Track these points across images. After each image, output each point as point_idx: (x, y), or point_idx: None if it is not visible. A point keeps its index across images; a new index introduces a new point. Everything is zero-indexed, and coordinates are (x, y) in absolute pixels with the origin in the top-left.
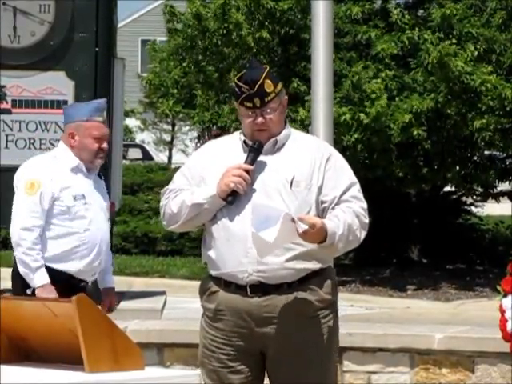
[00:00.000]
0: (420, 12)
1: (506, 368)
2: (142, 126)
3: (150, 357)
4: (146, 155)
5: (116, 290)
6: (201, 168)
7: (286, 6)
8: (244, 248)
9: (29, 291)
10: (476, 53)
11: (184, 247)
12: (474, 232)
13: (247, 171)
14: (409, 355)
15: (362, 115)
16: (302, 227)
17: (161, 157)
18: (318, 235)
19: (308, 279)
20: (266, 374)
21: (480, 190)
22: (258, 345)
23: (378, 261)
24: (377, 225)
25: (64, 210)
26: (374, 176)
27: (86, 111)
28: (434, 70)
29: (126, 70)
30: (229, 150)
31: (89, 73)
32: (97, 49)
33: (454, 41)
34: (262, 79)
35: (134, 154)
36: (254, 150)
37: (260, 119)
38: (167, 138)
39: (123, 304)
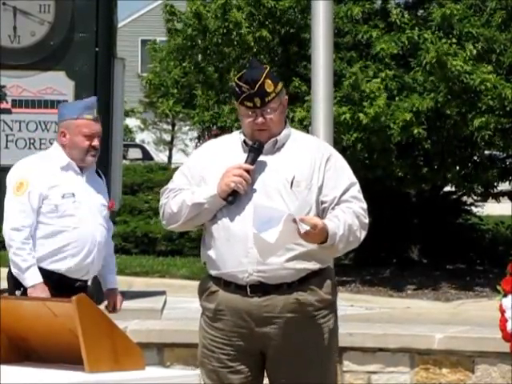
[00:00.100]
0: (420, 12)
1: (506, 368)
2: (142, 126)
3: (150, 357)
4: (146, 155)
5: None
6: (201, 167)
7: (287, 5)
8: (244, 248)
9: (18, 292)
10: (475, 52)
11: (184, 247)
12: (474, 232)
13: (248, 171)
14: (409, 355)
15: (361, 115)
16: (304, 228)
17: (161, 157)
18: (319, 236)
19: (308, 279)
20: (265, 374)
21: (480, 189)
22: (258, 345)
23: (378, 261)
24: (377, 225)
25: (52, 209)
26: (373, 176)
27: (76, 109)
28: (432, 70)
29: (126, 70)
30: (228, 149)
31: (89, 73)
32: (97, 49)
33: (454, 40)
34: (262, 79)
35: (134, 153)
36: (255, 150)
37: (260, 119)
38: (167, 137)
39: (123, 304)
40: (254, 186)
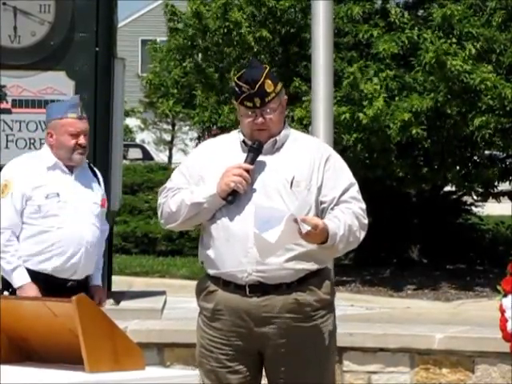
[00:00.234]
0: (420, 12)
1: (506, 368)
2: (142, 126)
3: (150, 357)
4: (146, 155)
5: (116, 289)
6: (199, 167)
7: (287, 4)
8: (244, 248)
9: (6, 293)
10: (474, 51)
11: (184, 247)
12: (474, 232)
13: (247, 171)
14: (409, 355)
15: (361, 115)
16: (306, 228)
17: (161, 157)
18: (320, 236)
19: (307, 279)
20: (263, 373)
21: (480, 189)
22: (257, 345)
23: (378, 261)
24: (377, 225)
25: (36, 209)
26: (374, 176)
27: (60, 109)
28: (432, 70)
29: (126, 70)
30: (227, 149)
31: (89, 73)
32: (97, 49)
33: (454, 40)
34: (262, 79)
35: (134, 153)
36: (254, 150)
37: (260, 119)
38: (167, 137)
39: (123, 304)
40: (254, 186)
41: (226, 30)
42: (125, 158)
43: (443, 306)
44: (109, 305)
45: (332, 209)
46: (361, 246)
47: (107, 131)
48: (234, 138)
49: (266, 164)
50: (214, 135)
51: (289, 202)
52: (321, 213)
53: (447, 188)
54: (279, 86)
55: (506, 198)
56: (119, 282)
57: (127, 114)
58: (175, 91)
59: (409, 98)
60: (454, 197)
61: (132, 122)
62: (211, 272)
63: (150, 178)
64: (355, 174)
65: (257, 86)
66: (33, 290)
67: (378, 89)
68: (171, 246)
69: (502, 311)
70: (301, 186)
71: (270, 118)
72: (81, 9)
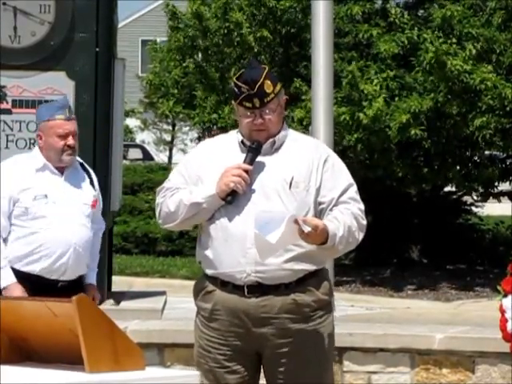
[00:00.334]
0: (420, 12)
1: (506, 368)
2: (142, 126)
3: (150, 357)
4: (147, 155)
5: (116, 290)
6: (197, 167)
7: (288, 4)
8: (242, 248)
9: None
10: (474, 51)
11: (184, 247)
12: (474, 232)
13: (246, 171)
14: (409, 355)
15: (361, 115)
16: (307, 229)
17: (161, 157)
18: (320, 237)
19: (305, 280)
20: (261, 374)
21: (480, 189)
22: (255, 345)
23: (379, 261)
24: (377, 225)
25: (23, 211)
26: (374, 176)
27: (48, 111)
28: (432, 70)
29: (126, 71)
30: (226, 149)
31: (89, 73)
32: (97, 49)
33: (454, 40)
34: (261, 79)
35: (135, 154)
36: (253, 150)
37: (259, 120)
38: (167, 137)
39: (123, 304)
40: (253, 187)
41: (226, 31)
42: (125, 158)
43: (443, 306)
44: (109, 305)
45: (331, 210)
46: (361, 246)
47: (107, 131)
48: (233, 138)
49: (265, 164)
50: (214, 136)
51: (287, 202)
52: (319, 214)
53: (447, 188)
54: (278, 86)
55: (505, 197)
56: (119, 282)
57: (127, 114)
58: (175, 91)
59: (408, 99)
60: (454, 197)
61: (132, 123)
62: (209, 272)
63: (150, 178)
64: (355, 174)
65: (256, 86)
66: (18, 290)
67: (378, 89)
68: (171, 246)
69: (502, 311)
70: (300, 187)
71: (269, 118)
72: (81, 9)
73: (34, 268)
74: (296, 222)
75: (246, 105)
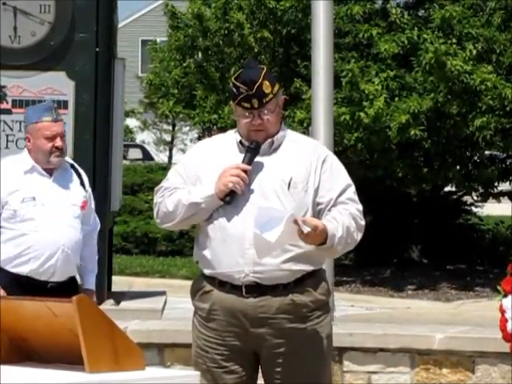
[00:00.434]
0: (420, 12)
1: (506, 368)
2: (142, 126)
3: (150, 357)
4: (147, 155)
5: (116, 290)
6: (196, 166)
7: (288, 5)
8: (241, 248)
9: None
10: (475, 52)
11: (184, 247)
12: (474, 232)
13: (245, 171)
14: (409, 355)
15: (362, 114)
16: (306, 229)
17: (161, 157)
18: (319, 237)
19: (303, 280)
20: (259, 373)
21: (480, 189)
22: (253, 345)
23: (379, 261)
24: (377, 225)
25: (12, 214)
26: (374, 176)
27: (35, 113)
28: (432, 70)
29: (126, 71)
30: (224, 149)
31: (89, 73)
32: (97, 49)
33: (454, 41)
34: (260, 80)
35: (135, 154)
36: (252, 150)
37: (258, 120)
38: (167, 138)
39: (123, 304)
40: (251, 187)
41: (226, 31)
42: (125, 158)
43: (443, 306)
44: (109, 305)
45: (329, 210)
46: (361, 246)
47: (107, 131)
48: (231, 138)
49: (264, 165)
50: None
51: (286, 202)
52: (317, 214)
53: (447, 188)
54: (277, 86)
55: (506, 198)
56: (119, 283)
57: (127, 114)
58: (175, 91)
59: (408, 99)
60: (454, 197)
61: (132, 123)
62: (207, 272)
63: (150, 178)
64: (355, 174)
65: (255, 87)
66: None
67: (379, 89)
68: (171, 247)
69: (502, 311)
70: (298, 188)
71: (268, 118)
72: (81, 9)
73: (23, 269)
74: (295, 222)
75: (244, 105)
